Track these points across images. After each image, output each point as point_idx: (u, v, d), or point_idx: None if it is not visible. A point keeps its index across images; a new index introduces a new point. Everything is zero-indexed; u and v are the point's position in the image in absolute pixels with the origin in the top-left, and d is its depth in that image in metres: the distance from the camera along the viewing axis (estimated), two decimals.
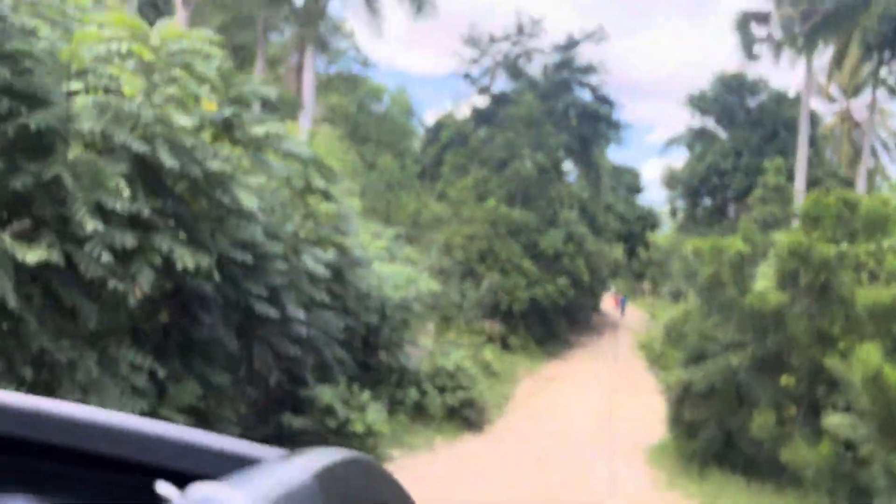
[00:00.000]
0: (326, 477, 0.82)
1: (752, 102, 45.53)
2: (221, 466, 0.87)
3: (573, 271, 31.48)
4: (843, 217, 10.95)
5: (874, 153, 50.92)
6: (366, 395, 11.96)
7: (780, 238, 10.92)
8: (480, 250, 30.07)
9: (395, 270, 15.49)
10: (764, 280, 11.59)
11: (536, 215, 31.71)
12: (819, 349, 10.27)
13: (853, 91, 51.02)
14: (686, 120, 55.16)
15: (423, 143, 44.03)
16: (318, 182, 10.97)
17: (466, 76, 37.72)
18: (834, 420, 8.86)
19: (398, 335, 15.46)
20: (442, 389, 16.06)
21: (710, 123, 47.96)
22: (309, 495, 0.75)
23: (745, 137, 43.00)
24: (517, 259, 30.11)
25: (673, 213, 52.80)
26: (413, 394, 15.17)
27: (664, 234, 78.85)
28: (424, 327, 22.54)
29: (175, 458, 0.90)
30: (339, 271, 11.65)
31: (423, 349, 19.61)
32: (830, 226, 10.55)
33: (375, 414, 11.57)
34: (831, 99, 50.34)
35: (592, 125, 37.12)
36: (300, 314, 9.62)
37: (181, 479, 0.76)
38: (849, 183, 40.49)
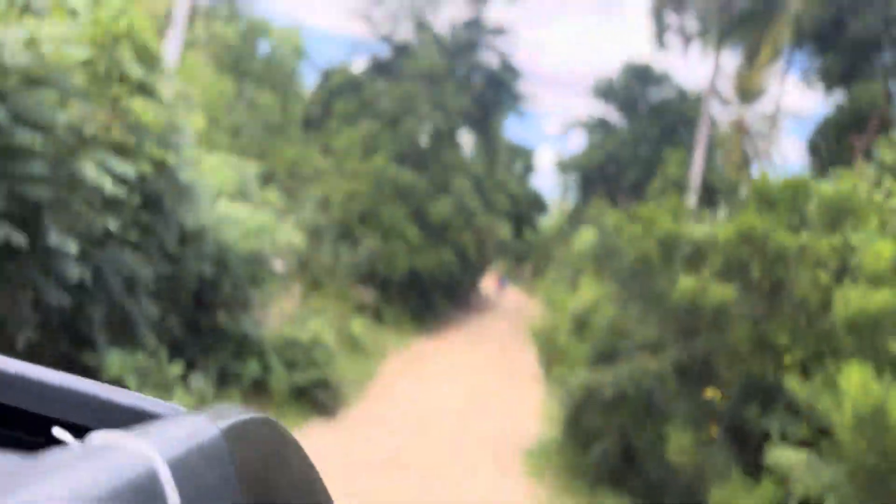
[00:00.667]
0: (233, 433, 0.77)
1: (655, 96, 44.85)
2: (122, 420, 0.81)
3: (460, 244, 29.15)
4: (796, 203, 8.96)
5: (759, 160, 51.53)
6: (176, 366, 8.91)
7: (726, 224, 8.83)
8: (361, 210, 27.13)
9: (246, 214, 12.33)
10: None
11: (427, 180, 29.09)
12: (759, 360, 8.20)
13: (750, 97, 51.61)
14: (588, 111, 53.95)
15: (312, 91, 40.31)
16: (133, 68, 7.74)
17: (367, 19, 34.26)
18: (784, 456, 6.80)
19: (242, 294, 12.39)
20: (292, 365, 13.18)
21: (612, 114, 47.07)
22: (216, 449, 0.71)
23: (644, 129, 42.20)
24: (401, 224, 27.44)
25: (563, 200, 51.74)
26: (253, 367, 12.18)
27: (550, 221, 78.74)
28: (288, 290, 19.50)
29: (72, 410, 0.82)
30: (154, 199, 8.49)
31: (281, 316, 16.63)
32: (786, 211, 8.56)
33: (184, 393, 8.56)
34: (729, 103, 50.50)
35: (495, 92, 34.84)
36: (70, 247, 6.46)
37: (80, 432, 0.72)
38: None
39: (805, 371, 7.12)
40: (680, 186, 31.99)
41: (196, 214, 9.33)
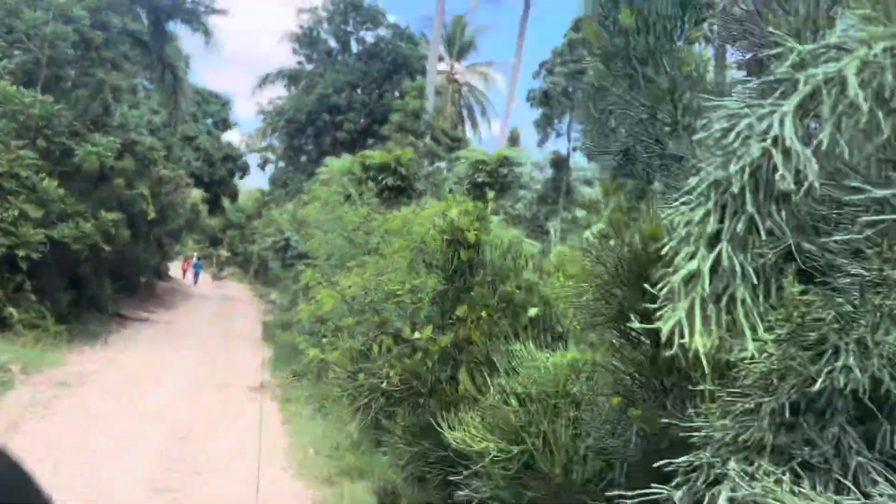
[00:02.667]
0: None
1: (369, 36, 38.78)
2: None
3: (132, 207, 19.85)
4: None
5: (472, 113, 48.51)
6: None
7: None
8: None
9: None
10: None
11: (72, 109, 19.22)
12: None
13: (459, 53, 48.15)
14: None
15: None
16: None
17: None
18: None
19: None
20: None
21: (322, 60, 39.97)
22: None
23: (362, 71, 35.84)
24: (29, 174, 17.39)
25: (264, 164, 43.31)
26: None
27: (251, 191, 69.13)
28: None
29: None
30: None
31: None
32: None
33: None
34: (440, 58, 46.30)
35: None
36: None
37: None
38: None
39: None
40: (419, 120, 26.12)
41: None
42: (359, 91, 34.81)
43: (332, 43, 37.91)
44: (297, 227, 23.33)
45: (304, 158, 39.02)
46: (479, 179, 17.62)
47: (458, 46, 46.55)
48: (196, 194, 35.87)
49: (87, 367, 16.10)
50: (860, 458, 1.83)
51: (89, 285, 19.80)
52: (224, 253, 75.78)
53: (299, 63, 38.48)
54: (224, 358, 19.87)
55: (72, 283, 19.48)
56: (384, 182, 13.33)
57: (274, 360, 19.91)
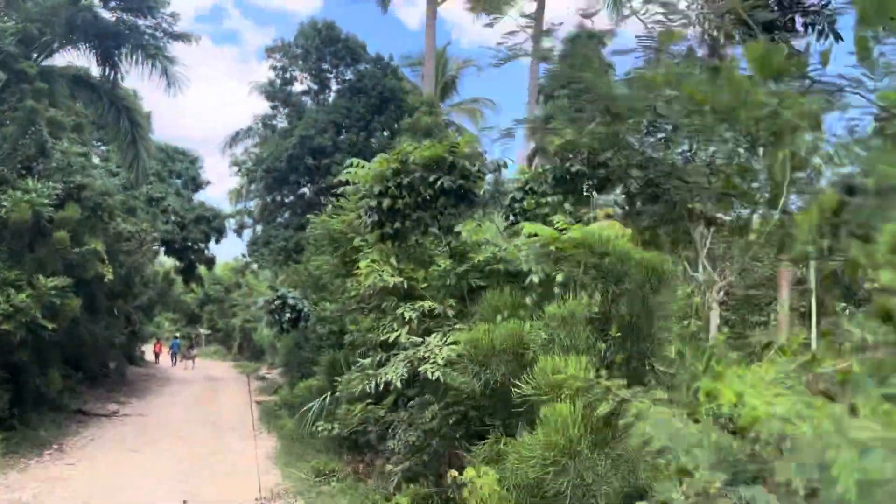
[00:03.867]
0: None
1: (349, 73, 34.95)
2: None
3: (80, 266, 15.25)
4: None
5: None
6: None
7: None
8: None
9: None
10: None
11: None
12: None
13: (442, 91, 44.60)
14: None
15: None
16: None
17: None
18: None
19: None
20: None
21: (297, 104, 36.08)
22: None
23: (346, 108, 31.88)
24: None
25: (240, 228, 38.66)
26: None
27: (227, 263, 64.16)
28: None
29: None
30: None
31: None
32: None
33: None
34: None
35: (122, 32, 21.40)
36: None
37: None
38: None
39: None
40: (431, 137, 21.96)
41: None
42: (344, 131, 30.93)
43: (310, 82, 34.21)
44: (300, 286, 18.95)
45: (286, 214, 34.66)
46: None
47: (441, 84, 43.00)
48: (167, 263, 31.31)
49: (20, 494, 11.28)
50: None
51: (31, 377, 14.98)
52: (203, 331, 70.44)
53: (273, 107, 34.53)
54: (214, 458, 15.04)
55: (9, 374, 14.72)
56: (439, 184, 8.98)
57: (282, 454, 15.13)
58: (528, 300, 8.29)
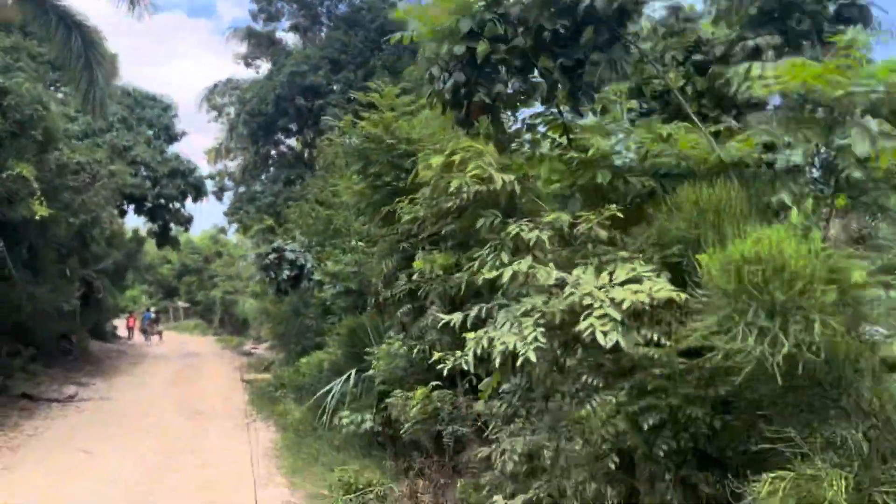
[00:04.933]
0: None
1: (341, 6, 30.60)
2: None
3: (6, 199, 11.16)
4: None
5: None
6: None
7: None
8: None
9: None
10: None
11: None
12: None
13: None
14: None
15: None
16: None
17: None
18: None
19: None
20: None
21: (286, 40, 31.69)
22: None
23: (342, 43, 27.58)
24: None
25: (220, 191, 34.20)
26: None
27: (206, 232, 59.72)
28: None
29: None
30: None
31: None
32: None
33: None
34: None
35: None
36: None
37: None
38: None
39: None
40: None
41: None
42: (342, 64, 26.72)
43: (299, 17, 29.85)
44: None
45: (273, 168, 30.40)
46: None
47: None
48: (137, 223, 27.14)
49: None
50: None
51: None
52: (181, 304, 65.84)
53: (256, 45, 30.06)
54: (192, 459, 11.13)
55: None
56: (584, 5, 5.05)
57: (286, 453, 11.24)
58: (784, 198, 4.46)
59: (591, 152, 5.43)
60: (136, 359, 29.37)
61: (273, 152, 30.80)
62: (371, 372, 9.01)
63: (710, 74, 6.96)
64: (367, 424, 9.12)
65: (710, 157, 5.19)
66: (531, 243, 5.08)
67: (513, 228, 5.25)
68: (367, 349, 9.86)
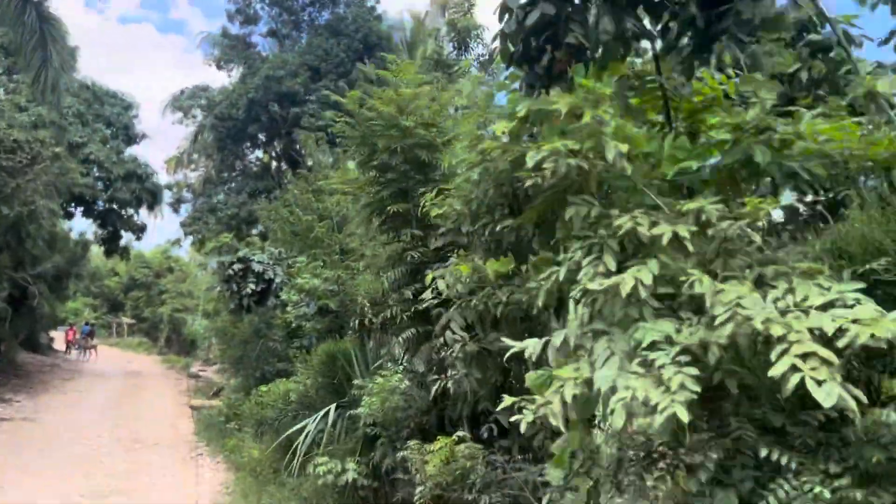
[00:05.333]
0: None
1: (324, 13, 29.05)
2: None
3: None
4: None
5: None
6: None
7: None
8: None
9: None
10: None
11: None
12: None
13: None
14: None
15: None
16: None
17: None
18: None
19: None
20: None
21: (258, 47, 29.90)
22: None
23: (324, 50, 25.96)
24: None
25: (178, 203, 31.97)
26: None
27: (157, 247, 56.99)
28: None
29: None
30: None
31: None
32: None
33: None
34: None
35: None
36: None
37: None
38: None
39: None
40: None
41: None
42: (323, 72, 25.01)
43: (278, 22, 28.22)
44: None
45: (239, 178, 28.34)
46: None
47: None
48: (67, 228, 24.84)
49: None
50: None
51: None
52: (126, 319, 62.33)
53: (231, 48, 28.24)
54: (126, 501, 9.15)
55: None
56: None
57: (240, 497, 9.31)
58: None
59: (750, 113, 3.89)
60: (72, 374, 26.76)
61: (238, 163, 28.83)
62: (360, 410, 7.22)
63: (827, 60, 5.57)
64: (350, 475, 7.30)
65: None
66: (662, 242, 3.46)
67: (623, 221, 3.63)
68: (354, 381, 8.07)
